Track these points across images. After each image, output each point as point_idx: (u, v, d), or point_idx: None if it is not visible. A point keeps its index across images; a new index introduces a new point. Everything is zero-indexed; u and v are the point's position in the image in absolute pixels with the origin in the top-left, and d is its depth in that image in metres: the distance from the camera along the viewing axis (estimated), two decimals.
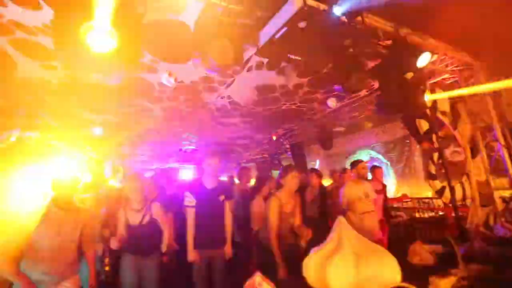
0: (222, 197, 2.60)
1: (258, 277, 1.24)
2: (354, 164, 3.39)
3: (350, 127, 6.64)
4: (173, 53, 2.64)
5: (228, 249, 2.57)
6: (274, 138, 6.14)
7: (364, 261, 1.25)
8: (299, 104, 4.52)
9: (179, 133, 5.35)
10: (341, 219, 1.51)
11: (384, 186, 4.13)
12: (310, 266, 1.40)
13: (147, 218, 2.41)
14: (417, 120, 3.14)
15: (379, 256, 1.27)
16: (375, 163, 7.45)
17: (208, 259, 2.50)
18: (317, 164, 7.78)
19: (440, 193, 3.24)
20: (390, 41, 2.50)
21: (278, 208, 2.38)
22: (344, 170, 4.25)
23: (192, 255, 2.40)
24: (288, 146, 6.67)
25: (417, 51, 2.56)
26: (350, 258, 1.25)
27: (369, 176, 3.65)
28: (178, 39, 2.46)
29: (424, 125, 3.11)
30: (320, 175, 4.11)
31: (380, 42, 2.53)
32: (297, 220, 2.47)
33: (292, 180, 2.49)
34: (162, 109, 4.31)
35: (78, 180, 2.16)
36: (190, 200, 2.48)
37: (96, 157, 6.17)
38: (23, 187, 3.29)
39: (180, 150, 6.53)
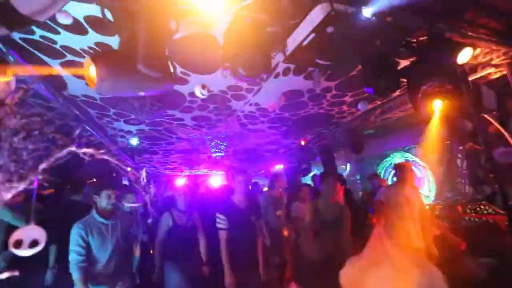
0: (253, 218, 2.62)
1: None
2: (396, 167, 3.25)
3: (382, 129, 6.35)
4: (203, 65, 2.76)
5: (262, 270, 2.55)
6: (303, 143, 6.06)
7: (405, 274, 1.18)
8: (327, 108, 4.43)
9: (208, 141, 5.51)
10: (379, 228, 1.44)
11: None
12: (348, 277, 1.35)
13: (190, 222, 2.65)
14: (459, 119, 2.91)
15: (422, 269, 1.19)
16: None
17: (244, 281, 2.44)
18: (348, 169, 7.52)
19: (490, 199, 2.95)
20: (425, 37, 2.37)
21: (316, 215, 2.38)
22: (376, 175, 4.11)
23: (229, 279, 2.32)
24: (317, 151, 6.54)
25: (457, 47, 2.39)
26: (390, 271, 1.19)
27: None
28: (207, 52, 2.57)
29: (467, 125, 2.88)
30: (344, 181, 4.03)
31: (413, 40, 2.42)
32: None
33: (330, 187, 2.51)
34: (192, 118, 4.49)
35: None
36: (222, 222, 2.43)
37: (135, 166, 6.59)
38: None
39: (209, 157, 6.71)
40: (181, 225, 2.75)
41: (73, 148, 0.87)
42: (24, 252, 0.81)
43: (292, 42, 1.87)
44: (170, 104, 3.84)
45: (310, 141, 6.33)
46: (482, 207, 5.00)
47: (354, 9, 1.71)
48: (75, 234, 2.24)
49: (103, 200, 2.29)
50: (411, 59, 2.68)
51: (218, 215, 2.43)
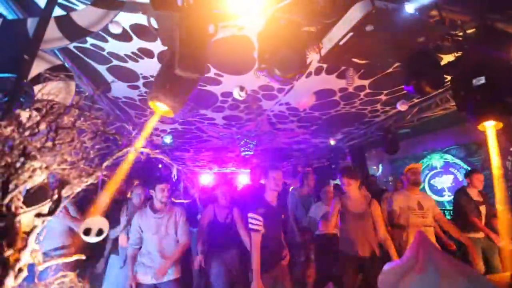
0: (283, 215, 2.67)
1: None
2: (409, 169, 3.14)
3: (418, 128, 5.99)
4: (237, 66, 2.82)
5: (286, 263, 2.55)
6: (333, 142, 5.93)
7: (449, 282, 1.12)
8: (359, 107, 4.29)
9: (237, 139, 5.61)
10: (421, 233, 1.38)
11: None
12: (386, 283, 1.32)
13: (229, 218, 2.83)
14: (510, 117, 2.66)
15: (469, 278, 1.12)
16: (451, 169, 6.56)
17: (274, 278, 2.38)
18: (379, 170, 7.21)
19: None
20: (473, 29, 2.20)
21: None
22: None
23: (259, 283, 2.14)
24: (347, 150, 6.36)
25: (510, 39, 2.18)
26: (432, 277, 1.14)
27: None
28: (241, 53, 2.62)
29: None
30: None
31: (459, 33, 2.26)
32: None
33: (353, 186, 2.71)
34: (223, 117, 4.60)
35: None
36: (258, 223, 2.25)
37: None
38: None
39: (238, 155, 6.82)
40: (221, 219, 2.91)
41: (132, 148, 0.95)
42: (92, 239, 0.93)
43: (328, 42, 1.85)
44: (203, 104, 3.97)
45: (340, 140, 6.17)
46: None
47: (395, 6, 1.64)
48: (133, 223, 2.57)
49: (158, 194, 2.48)
50: (455, 54, 2.51)
51: (252, 215, 2.27)
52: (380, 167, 7.42)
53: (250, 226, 2.26)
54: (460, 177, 6.35)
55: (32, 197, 0.99)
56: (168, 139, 5.78)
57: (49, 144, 0.90)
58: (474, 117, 2.17)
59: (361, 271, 2.69)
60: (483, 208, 3.46)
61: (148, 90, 2.52)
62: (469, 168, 6.12)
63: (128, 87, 3.38)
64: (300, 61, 1.82)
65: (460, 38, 2.29)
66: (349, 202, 2.83)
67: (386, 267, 1.32)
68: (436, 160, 6.96)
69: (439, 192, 6.80)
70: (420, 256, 1.19)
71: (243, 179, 9.59)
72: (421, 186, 3.05)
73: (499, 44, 2.12)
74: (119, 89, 3.43)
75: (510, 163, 5.46)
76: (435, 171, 6.99)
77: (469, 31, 2.23)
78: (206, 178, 9.33)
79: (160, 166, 7.12)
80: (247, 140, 5.37)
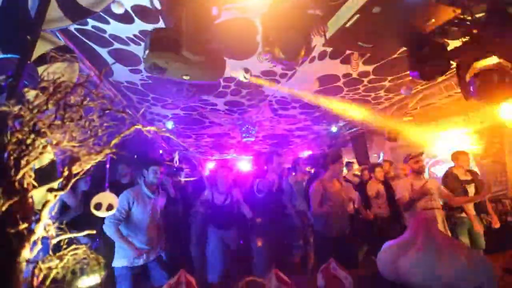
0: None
1: (333, 263, 1.26)
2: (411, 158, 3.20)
3: (420, 116, 5.96)
4: (240, 50, 2.79)
5: None
6: (335, 129, 5.93)
7: (446, 258, 1.15)
8: (363, 93, 4.26)
9: (239, 125, 5.61)
10: (421, 214, 1.42)
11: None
12: (384, 258, 1.36)
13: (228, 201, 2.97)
14: None
15: (467, 255, 1.15)
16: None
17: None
18: (380, 157, 7.23)
19: None
20: (483, 13, 2.15)
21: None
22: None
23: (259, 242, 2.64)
24: (348, 137, 6.37)
25: None
26: (429, 254, 1.18)
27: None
28: (244, 37, 2.58)
29: None
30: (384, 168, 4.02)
31: (468, 17, 2.21)
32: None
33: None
34: (225, 103, 4.59)
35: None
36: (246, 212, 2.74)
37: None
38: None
39: (239, 142, 6.84)
40: (219, 202, 3.01)
41: (139, 126, 0.96)
42: (103, 214, 0.97)
43: (334, 24, 1.82)
44: (205, 89, 3.95)
45: (342, 127, 6.17)
46: None
47: None
48: (123, 198, 2.49)
49: (150, 175, 2.51)
50: (462, 39, 2.46)
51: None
52: (381, 155, 7.44)
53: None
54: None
55: (43, 175, 1.02)
56: (170, 125, 5.78)
57: (58, 121, 0.92)
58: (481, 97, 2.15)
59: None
60: (471, 187, 3.51)
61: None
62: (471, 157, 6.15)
63: (130, 71, 3.35)
64: (304, 44, 1.80)
65: (468, 23, 2.25)
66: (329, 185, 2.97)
67: (386, 245, 1.37)
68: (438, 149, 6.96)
69: (439, 180, 6.83)
70: (419, 235, 1.23)
71: (243, 165, 9.66)
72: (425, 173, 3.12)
73: (509, 28, 2.07)
74: (121, 73, 3.41)
75: None
76: (436, 159, 7.01)
77: (478, 15, 2.18)
78: (208, 165, 9.43)
79: (161, 151, 7.19)
80: (249, 126, 5.38)
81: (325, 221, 2.72)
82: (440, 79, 3.88)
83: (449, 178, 3.62)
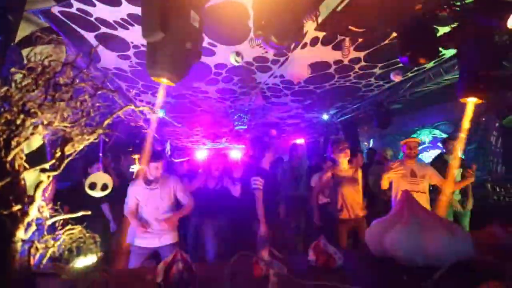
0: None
1: (323, 240, 1.31)
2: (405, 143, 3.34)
3: (409, 104, 6.07)
4: (231, 35, 2.75)
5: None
6: (326, 117, 5.98)
7: (429, 232, 1.21)
8: (354, 80, 4.29)
9: (231, 113, 5.59)
10: (406, 193, 1.48)
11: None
12: (371, 234, 1.42)
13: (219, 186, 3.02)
14: (499, 91, 2.73)
15: (449, 229, 1.22)
16: (439, 144, 6.76)
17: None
18: (371, 144, 7.38)
19: None
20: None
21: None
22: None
23: (264, 228, 2.68)
24: (340, 125, 6.44)
25: (509, 9, 2.17)
26: (413, 227, 1.24)
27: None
28: (236, 21, 2.54)
29: (508, 97, 2.70)
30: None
31: (457, 3, 2.24)
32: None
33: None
34: (216, 91, 4.54)
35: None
36: (260, 184, 2.75)
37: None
38: None
39: (231, 130, 6.83)
40: (211, 186, 3.10)
41: (132, 106, 0.96)
42: (98, 193, 0.96)
43: (326, 8, 1.81)
44: (195, 76, 3.89)
45: (334, 115, 6.23)
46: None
47: None
48: (129, 193, 2.62)
49: (151, 170, 2.54)
50: (452, 26, 2.50)
51: (255, 178, 2.72)
52: (371, 142, 7.59)
53: (254, 186, 2.72)
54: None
55: (34, 160, 1.01)
56: (160, 113, 5.71)
57: (48, 102, 0.91)
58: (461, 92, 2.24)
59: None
60: (458, 172, 3.70)
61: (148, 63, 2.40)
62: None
63: (118, 57, 3.26)
64: (296, 28, 1.79)
65: (458, 9, 2.28)
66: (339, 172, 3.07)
67: (374, 222, 1.43)
68: (425, 135, 7.14)
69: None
70: (404, 212, 1.28)
71: (236, 154, 9.68)
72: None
73: (498, 14, 2.11)
74: (109, 59, 3.32)
75: (494, 138, 5.67)
76: (423, 146, 7.20)
77: (468, 1, 2.21)
78: (201, 154, 9.40)
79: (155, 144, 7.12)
80: (241, 114, 5.37)
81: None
82: (429, 66, 3.95)
83: (439, 163, 3.76)
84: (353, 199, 3.00)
